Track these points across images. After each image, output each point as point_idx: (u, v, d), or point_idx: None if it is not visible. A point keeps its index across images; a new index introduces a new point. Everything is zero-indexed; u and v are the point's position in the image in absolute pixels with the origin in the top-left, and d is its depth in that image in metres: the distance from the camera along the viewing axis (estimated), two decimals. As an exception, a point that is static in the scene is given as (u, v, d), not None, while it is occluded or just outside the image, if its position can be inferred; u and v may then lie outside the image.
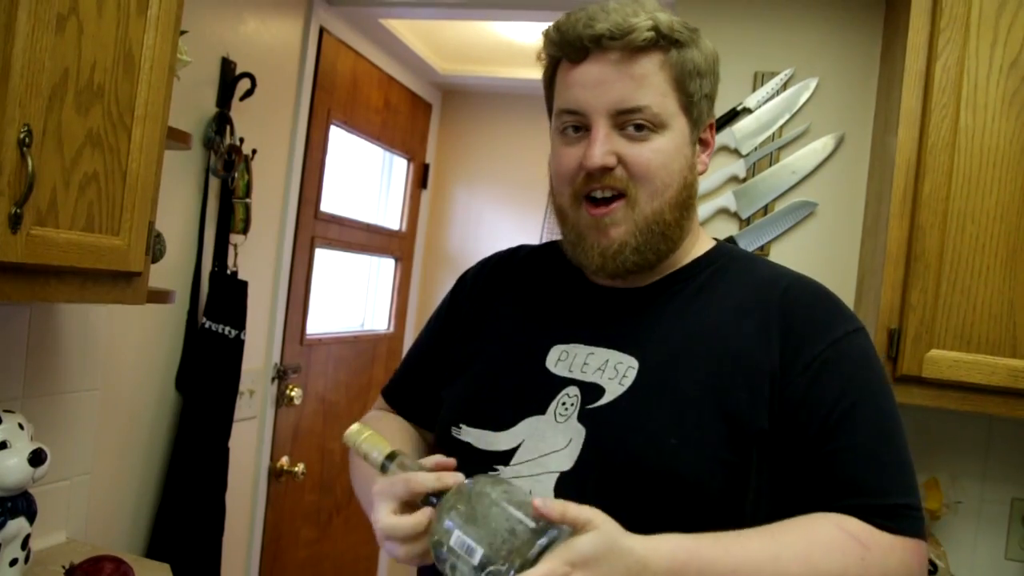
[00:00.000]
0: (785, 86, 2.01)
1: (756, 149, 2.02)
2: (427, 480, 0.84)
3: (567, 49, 0.98)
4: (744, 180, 2.02)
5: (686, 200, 1.00)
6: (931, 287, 1.53)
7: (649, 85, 0.95)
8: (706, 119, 1.03)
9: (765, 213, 2.02)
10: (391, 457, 0.88)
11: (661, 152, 0.96)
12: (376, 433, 0.91)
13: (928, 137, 1.53)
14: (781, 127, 2.01)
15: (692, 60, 0.97)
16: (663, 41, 0.95)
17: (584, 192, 0.97)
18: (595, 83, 0.95)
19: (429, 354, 1.18)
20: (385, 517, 0.84)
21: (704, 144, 1.04)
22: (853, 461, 0.89)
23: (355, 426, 0.92)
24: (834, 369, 0.92)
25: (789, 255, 1.95)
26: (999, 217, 1.50)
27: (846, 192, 1.97)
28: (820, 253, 1.97)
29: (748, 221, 2.02)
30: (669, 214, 0.97)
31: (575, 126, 0.98)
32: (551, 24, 0.99)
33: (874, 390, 0.94)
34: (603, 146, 0.94)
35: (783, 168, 2.00)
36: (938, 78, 1.53)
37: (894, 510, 0.88)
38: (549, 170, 1.04)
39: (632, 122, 0.95)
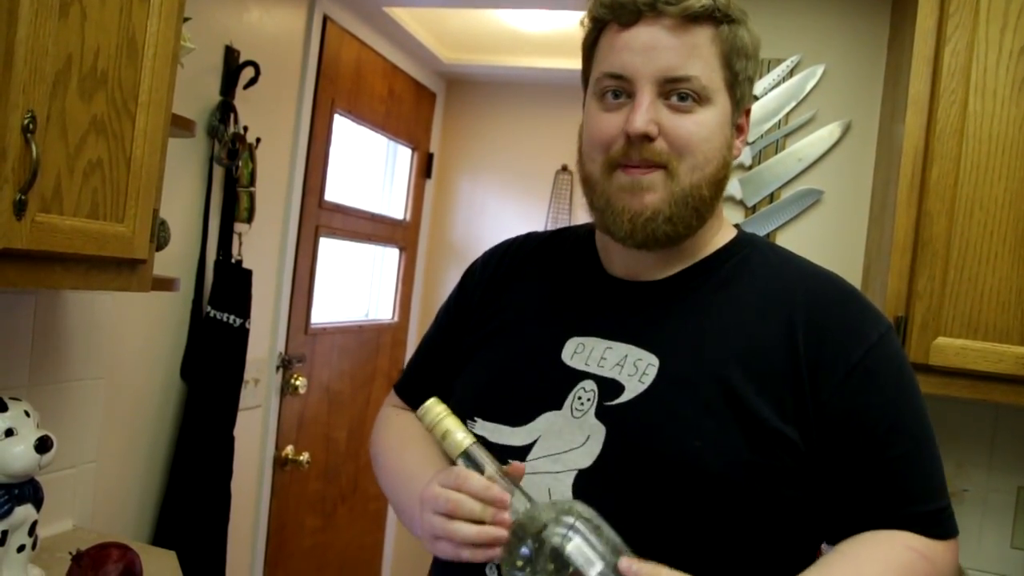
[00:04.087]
0: (792, 73, 2.00)
1: (762, 136, 2.01)
2: (479, 494, 0.83)
3: (619, 11, 0.94)
4: (750, 167, 2.02)
5: (722, 180, 0.97)
6: (938, 274, 1.52)
7: (699, 56, 0.92)
8: (746, 103, 1.00)
9: (771, 201, 2.01)
10: (466, 455, 0.84)
11: (704, 126, 0.93)
12: (455, 417, 0.87)
13: (936, 123, 1.52)
14: (787, 114, 2.00)
15: (741, 39, 0.95)
16: (718, 13, 0.93)
17: (619, 162, 0.94)
18: (645, 48, 0.92)
19: (442, 346, 1.16)
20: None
21: (739, 129, 1.01)
22: (902, 471, 0.90)
23: (432, 401, 0.87)
24: (875, 378, 0.91)
25: (795, 243, 1.94)
26: (1008, 204, 1.49)
27: (853, 179, 1.96)
28: (826, 241, 1.96)
29: (754, 209, 2.01)
30: (706, 190, 0.94)
31: (616, 91, 0.95)
32: None
33: (911, 395, 0.94)
34: (647, 113, 0.91)
35: (789, 156, 1.99)
36: (947, 63, 1.52)
37: (940, 515, 0.91)
38: (579, 138, 1.01)
39: (678, 91, 0.92)
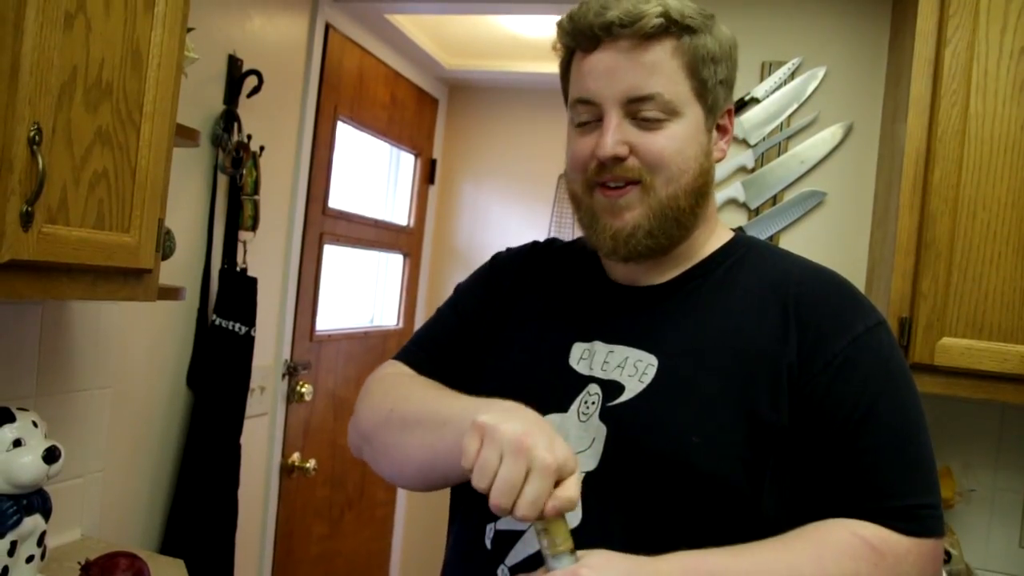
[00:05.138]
0: (793, 75, 2.00)
1: (764, 139, 2.01)
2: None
3: (579, 38, 0.97)
4: (752, 170, 2.02)
5: (702, 187, 0.98)
6: (942, 275, 1.52)
7: (661, 72, 0.94)
8: (722, 105, 1.01)
9: (774, 203, 2.01)
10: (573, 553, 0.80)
11: (675, 139, 0.95)
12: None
13: (938, 124, 1.52)
14: (789, 117, 2.00)
15: (705, 46, 0.96)
16: (674, 28, 0.94)
17: (597, 181, 0.97)
18: (606, 72, 0.94)
19: (468, 327, 1.12)
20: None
21: (722, 131, 1.03)
22: (871, 463, 0.88)
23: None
24: (854, 368, 0.90)
25: (798, 245, 1.94)
26: (1010, 204, 1.49)
27: (855, 181, 1.96)
28: (829, 243, 1.96)
29: (757, 211, 2.02)
30: (684, 200, 0.96)
31: (587, 116, 0.98)
32: (565, 14, 0.98)
33: (894, 388, 0.92)
34: (615, 135, 0.94)
35: (791, 158, 1.99)
36: (947, 64, 1.52)
37: (911, 511, 0.87)
38: (566, 159, 1.03)
39: (644, 110, 0.94)
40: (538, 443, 0.76)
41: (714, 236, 1.04)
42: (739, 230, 1.09)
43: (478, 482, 0.78)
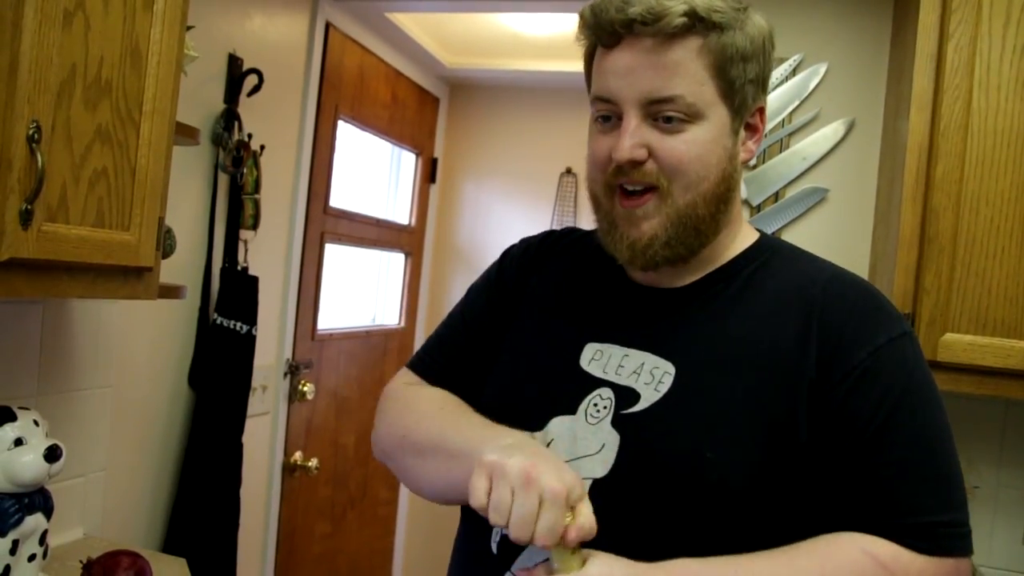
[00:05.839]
0: (795, 72, 2.00)
1: (766, 136, 2.00)
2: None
3: (600, 33, 0.93)
4: (754, 167, 2.01)
5: (724, 193, 0.94)
6: (945, 270, 1.51)
7: (683, 73, 0.89)
8: (752, 105, 0.95)
9: (776, 200, 2.00)
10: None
11: (696, 144, 0.90)
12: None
13: (941, 119, 1.52)
14: (791, 113, 2.00)
15: (734, 44, 0.90)
16: (700, 26, 0.88)
17: (616, 183, 0.94)
18: (626, 71, 0.90)
19: (476, 330, 1.11)
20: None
21: (751, 130, 0.98)
22: (889, 477, 0.85)
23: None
24: (873, 379, 0.87)
25: (801, 242, 1.92)
26: (1014, 199, 1.49)
27: (857, 177, 1.96)
28: (832, 239, 1.96)
29: (759, 208, 2.01)
30: (703, 208, 0.93)
31: (607, 114, 0.94)
32: (587, 4, 0.94)
33: (916, 400, 0.89)
34: (632, 138, 0.90)
35: (793, 154, 1.99)
36: (950, 59, 1.51)
37: (928, 529, 0.84)
38: (587, 157, 1.00)
39: (664, 113, 0.89)
40: (545, 473, 0.79)
41: (738, 238, 1.01)
42: (760, 232, 1.06)
43: (496, 519, 0.80)
